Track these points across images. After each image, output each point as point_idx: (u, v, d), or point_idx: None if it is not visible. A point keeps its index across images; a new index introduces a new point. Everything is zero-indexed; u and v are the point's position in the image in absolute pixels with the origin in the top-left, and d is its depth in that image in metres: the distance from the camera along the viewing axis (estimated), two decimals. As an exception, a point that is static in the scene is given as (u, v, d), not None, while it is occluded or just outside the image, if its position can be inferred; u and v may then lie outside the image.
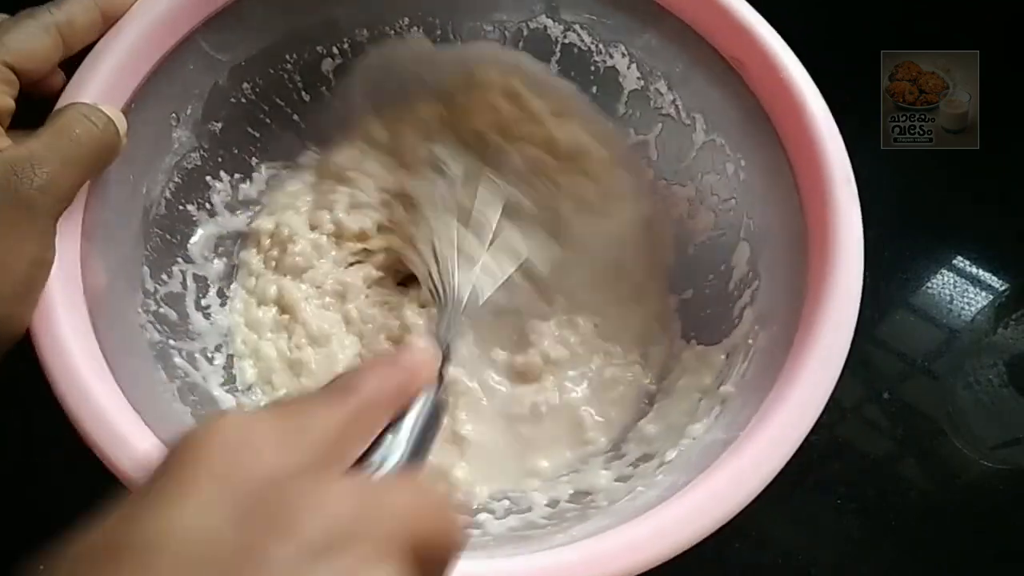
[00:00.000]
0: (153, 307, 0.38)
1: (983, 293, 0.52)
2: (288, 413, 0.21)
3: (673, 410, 0.41)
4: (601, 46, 0.44)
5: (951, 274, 0.52)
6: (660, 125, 0.44)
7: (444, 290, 0.38)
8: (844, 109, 0.35)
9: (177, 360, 0.38)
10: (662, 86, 0.43)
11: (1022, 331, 0.50)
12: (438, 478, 0.23)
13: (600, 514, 0.34)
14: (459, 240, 0.41)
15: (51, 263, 0.30)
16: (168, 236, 0.40)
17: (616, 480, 0.39)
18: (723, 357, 0.40)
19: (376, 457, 0.24)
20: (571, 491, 0.40)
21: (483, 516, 0.39)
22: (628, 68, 0.44)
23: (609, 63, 0.44)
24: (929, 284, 0.52)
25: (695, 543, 0.28)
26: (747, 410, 0.33)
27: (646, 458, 0.39)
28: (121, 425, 0.29)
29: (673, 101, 0.43)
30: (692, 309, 0.44)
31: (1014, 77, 0.53)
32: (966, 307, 0.51)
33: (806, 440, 0.47)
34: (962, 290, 0.52)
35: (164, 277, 0.39)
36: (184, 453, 0.19)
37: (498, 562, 0.28)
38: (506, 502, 0.40)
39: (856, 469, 0.48)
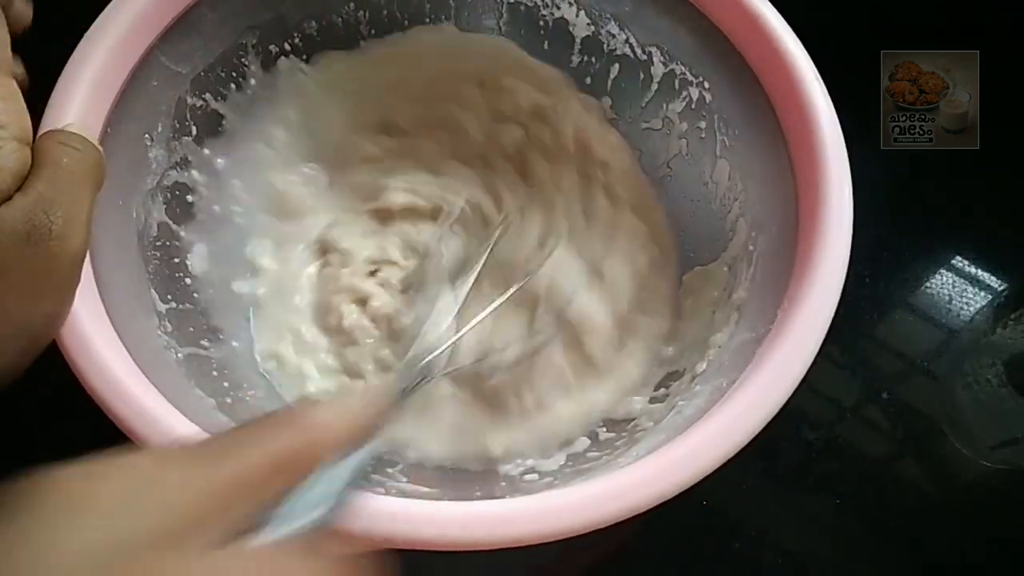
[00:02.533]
0: (170, 328, 0.38)
1: (982, 293, 0.52)
2: (157, 465, 0.18)
3: (688, 329, 0.42)
4: None
5: (950, 274, 0.52)
6: (617, 66, 0.45)
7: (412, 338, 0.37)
8: (844, 109, 0.36)
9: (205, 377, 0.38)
10: (613, 27, 0.44)
11: (1021, 331, 0.50)
12: (344, 547, 0.22)
13: (651, 434, 0.35)
14: (455, 298, 0.41)
15: (67, 315, 0.28)
16: (166, 256, 0.40)
17: (651, 402, 0.40)
18: (725, 269, 0.41)
19: (270, 523, 0.20)
20: (601, 420, 0.41)
21: (531, 461, 0.39)
22: (577, 16, 0.44)
23: (557, 15, 0.45)
24: (928, 284, 0.52)
25: (767, 423, 0.29)
26: (768, 307, 0.33)
27: (674, 376, 0.40)
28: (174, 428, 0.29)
29: (627, 40, 0.44)
30: (682, 238, 0.45)
31: (1014, 77, 0.53)
32: (965, 307, 0.51)
33: (804, 440, 0.47)
34: (961, 290, 0.52)
35: (169, 298, 0.39)
36: (7, 512, 0.16)
37: (570, 489, 0.28)
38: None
39: (855, 469, 0.48)
